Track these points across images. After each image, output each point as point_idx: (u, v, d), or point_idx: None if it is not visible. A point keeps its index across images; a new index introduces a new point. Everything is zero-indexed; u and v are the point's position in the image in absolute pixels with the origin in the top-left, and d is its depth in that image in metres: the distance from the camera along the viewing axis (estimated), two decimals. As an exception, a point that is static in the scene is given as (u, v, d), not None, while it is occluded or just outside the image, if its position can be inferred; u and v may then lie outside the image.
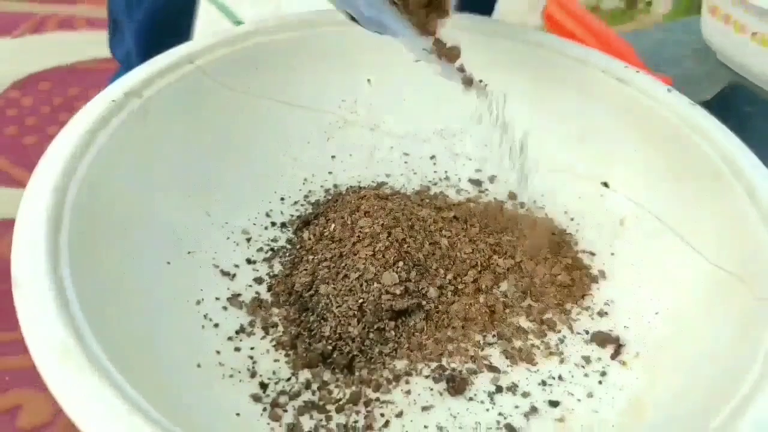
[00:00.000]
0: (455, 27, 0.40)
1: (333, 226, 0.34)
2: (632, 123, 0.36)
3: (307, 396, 0.28)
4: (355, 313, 0.30)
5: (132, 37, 0.81)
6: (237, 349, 0.30)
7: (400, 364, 0.30)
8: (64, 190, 0.26)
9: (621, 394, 0.29)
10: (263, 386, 0.28)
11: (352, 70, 0.40)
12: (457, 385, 0.29)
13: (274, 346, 0.30)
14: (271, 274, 0.34)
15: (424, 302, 0.31)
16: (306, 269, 0.33)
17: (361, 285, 0.31)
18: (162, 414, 0.21)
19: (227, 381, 0.28)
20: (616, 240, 0.36)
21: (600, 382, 0.30)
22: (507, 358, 0.31)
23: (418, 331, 0.31)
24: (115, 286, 0.27)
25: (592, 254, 0.36)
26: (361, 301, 0.31)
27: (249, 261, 0.34)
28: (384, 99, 0.41)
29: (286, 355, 0.30)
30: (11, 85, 1.18)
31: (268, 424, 0.27)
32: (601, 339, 0.31)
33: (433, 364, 0.30)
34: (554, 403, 0.29)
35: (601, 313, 0.33)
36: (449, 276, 0.33)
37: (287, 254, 0.35)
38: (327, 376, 0.29)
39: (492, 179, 0.40)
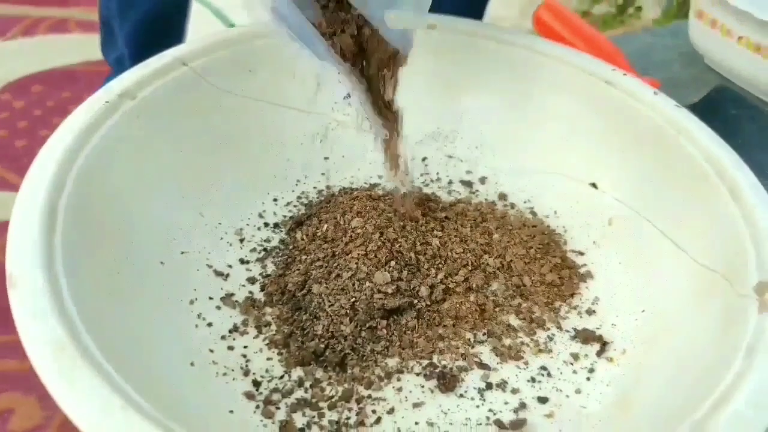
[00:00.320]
0: (443, 29, 0.41)
1: (326, 226, 0.35)
2: (620, 125, 0.37)
3: (299, 393, 0.29)
4: (348, 311, 0.31)
5: (124, 42, 0.82)
6: (230, 348, 0.30)
7: (392, 362, 0.30)
8: (58, 189, 0.27)
9: (608, 390, 0.30)
10: (256, 384, 0.29)
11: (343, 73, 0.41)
12: (447, 382, 0.29)
13: (267, 344, 0.31)
14: (264, 273, 0.34)
15: (415, 301, 0.32)
16: (299, 269, 0.33)
17: (354, 284, 0.31)
18: (156, 409, 0.21)
19: (221, 379, 0.29)
20: (604, 239, 0.36)
21: (588, 379, 0.30)
22: (497, 355, 0.31)
23: (410, 329, 0.31)
24: (110, 285, 0.27)
25: (581, 253, 0.37)
26: (353, 300, 0.31)
27: (242, 261, 0.34)
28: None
29: (279, 354, 0.30)
30: (3, 88, 1.17)
31: (261, 421, 0.27)
32: (585, 337, 0.32)
33: (424, 362, 0.31)
34: (543, 399, 0.29)
35: (590, 311, 0.34)
36: (440, 275, 0.33)
37: (280, 254, 0.35)
38: (319, 373, 0.30)
39: (483, 180, 0.41)
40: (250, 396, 0.28)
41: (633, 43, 0.65)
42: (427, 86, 0.42)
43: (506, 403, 0.29)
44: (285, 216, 0.38)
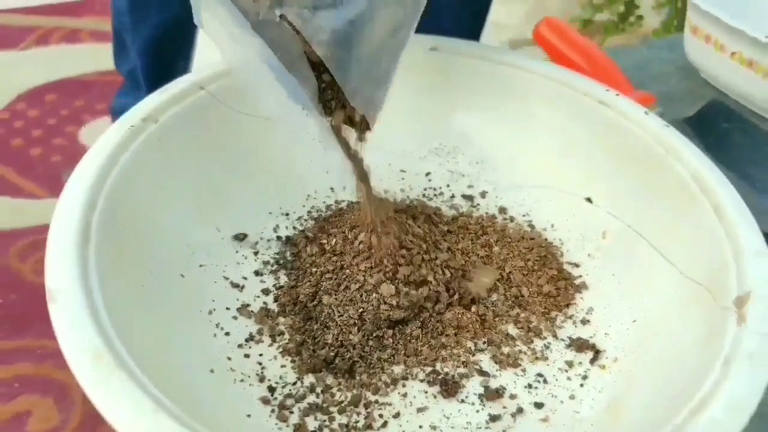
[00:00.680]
0: (445, 51, 0.43)
1: (334, 240, 0.37)
2: (612, 143, 0.39)
3: (311, 398, 0.31)
4: (356, 321, 0.33)
5: (137, 54, 0.84)
6: (247, 356, 0.32)
7: (398, 369, 0.32)
8: (91, 209, 0.29)
9: (600, 396, 0.32)
10: (271, 390, 0.31)
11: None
12: (449, 388, 0.32)
13: (280, 352, 0.33)
14: (277, 285, 0.36)
15: (419, 311, 0.34)
16: (309, 281, 0.35)
17: (361, 296, 0.34)
18: (183, 412, 0.23)
19: (238, 385, 0.31)
20: (598, 252, 0.38)
21: (581, 385, 0.32)
22: (496, 363, 0.33)
23: (414, 338, 0.33)
24: (136, 297, 0.30)
25: (576, 265, 0.39)
26: (361, 310, 0.33)
27: (257, 273, 0.37)
28: (383, 119, 0.44)
29: (292, 361, 0.32)
30: (17, 97, 1.20)
31: (276, 424, 0.30)
32: (580, 345, 0.34)
33: (428, 369, 0.33)
34: (539, 405, 0.31)
35: (584, 321, 0.36)
36: (443, 287, 0.35)
37: (292, 267, 0.37)
38: (330, 380, 0.32)
39: (483, 194, 0.43)
40: (265, 401, 0.30)
41: (631, 56, 0.66)
42: (430, 104, 0.44)
43: (504, 407, 0.31)
44: (296, 229, 0.40)
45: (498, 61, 0.42)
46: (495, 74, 0.42)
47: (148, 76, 0.85)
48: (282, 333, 0.34)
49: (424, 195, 0.43)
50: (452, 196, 0.43)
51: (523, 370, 0.33)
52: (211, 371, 0.31)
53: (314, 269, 0.36)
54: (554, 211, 0.41)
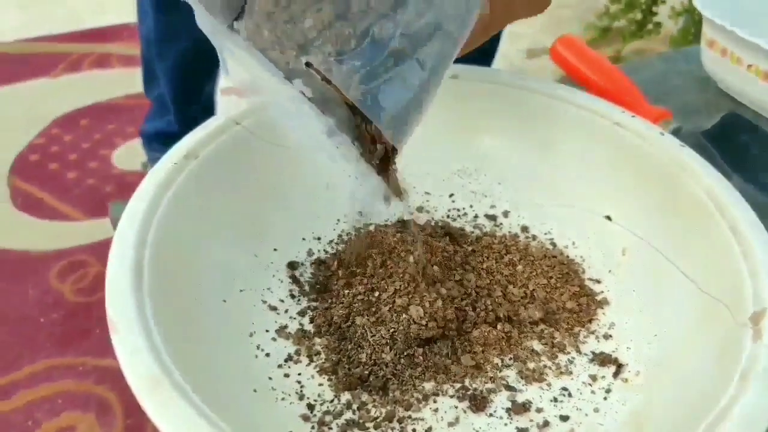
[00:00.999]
0: (464, 78, 0.45)
1: (365, 262, 0.39)
2: (629, 163, 0.40)
3: (348, 415, 0.33)
4: (388, 341, 0.35)
5: (164, 81, 0.87)
6: (286, 375, 0.34)
7: (428, 386, 0.34)
8: (142, 246, 0.31)
9: (623, 409, 0.33)
10: (310, 407, 0.33)
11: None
12: (478, 403, 0.33)
13: (318, 371, 0.35)
14: (312, 307, 0.38)
15: (447, 330, 0.36)
16: (342, 302, 0.37)
17: (392, 316, 0.36)
18: (235, 431, 0.25)
19: (280, 403, 0.33)
20: (618, 268, 0.40)
21: (605, 398, 0.34)
22: (522, 378, 0.35)
23: (443, 356, 0.35)
24: (185, 324, 0.32)
25: (598, 281, 0.40)
26: (392, 330, 0.35)
27: (293, 296, 0.39)
28: (408, 144, 0.46)
29: (329, 380, 0.34)
30: (52, 123, 1.26)
31: (316, 439, 0.32)
32: (602, 359, 0.35)
33: (457, 385, 0.34)
34: (564, 418, 0.33)
35: (606, 336, 0.37)
36: (470, 306, 0.37)
37: (325, 289, 0.39)
38: (365, 397, 0.34)
39: (506, 214, 0.45)
40: (306, 418, 0.32)
41: (648, 69, 0.68)
42: (452, 128, 0.46)
43: (531, 420, 0.33)
44: (327, 252, 0.42)
45: (516, 85, 0.44)
46: (513, 98, 0.44)
47: (176, 100, 0.89)
48: (318, 353, 0.36)
49: (448, 216, 0.45)
50: (476, 216, 0.45)
51: (549, 385, 0.35)
52: (255, 391, 0.33)
53: (346, 291, 0.38)
54: (575, 229, 0.42)
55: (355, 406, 0.33)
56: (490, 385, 0.34)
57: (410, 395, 0.34)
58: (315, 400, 0.33)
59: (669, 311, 0.36)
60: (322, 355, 0.36)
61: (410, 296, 0.36)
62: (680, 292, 0.35)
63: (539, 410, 0.33)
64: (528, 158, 0.45)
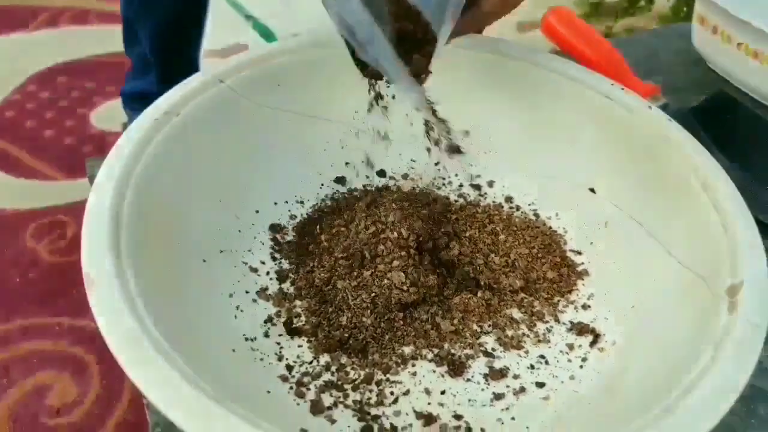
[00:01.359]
0: (454, 44, 0.44)
1: (348, 226, 0.38)
2: (616, 136, 0.40)
3: (327, 377, 0.33)
4: (369, 305, 0.35)
5: (146, 41, 0.85)
6: (266, 336, 0.34)
7: (407, 350, 0.34)
8: (120, 199, 0.31)
9: (599, 377, 0.34)
10: (289, 368, 0.33)
11: (363, 85, 0.44)
12: (456, 368, 0.34)
13: (297, 334, 0.35)
14: (294, 270, 0.38)
15: (428, 296, 0.36)
16: (324, 266, 0.37)
17: (374, 281, 0.35)
18: (213, 390, 0.25)
19: (258, 363, 0.33)
20: (600, 240, 0.40)
21: (581, 367, 0.34)
22: (500, 345, 0.35)
23: (423, 321, 0.35)
24: (163, 282, 0.32)
25: (579, 253, 0.40)
26: (373, 295, 0.35)
27: (274, 258, 0.38)
28: (393, 110, 0.45)
29: (309, 342, 0.34)
30: (28, 79, 1.22)
31: (294, 400, 0.32)
32: (580, 329, 0.36)
33: (436, 350, 0.35)
34: (540, 384, 0.33)
35: (585, 306, 0.37)
36: (451, 273, 0.37)
37: (307, 252, 0.39)
38: (344, 359, 0.34)
39: (491, 184, 0.45)
40: (284, 378, 0.32)
41: (639, 45, 0.67)
42: (441, 96, 0.45)
43: (508, 386, 0.33)
44: (310, 216, 0.41)
45: (506, 54, 0.43)
46: (503, 68, 0.44)
47: (158, 61, 0.86)
48: (299, 315, 0.36)
49: (433, 184, 0.45)
50: (461, 185, 0.45)
51: (526, 352, 0.35)
52: (234, 351, 0.33)
53: (328, 255, 0.38)
54: (559, 201, 0.42)
55: (333, 368, 0.33)
56: (468, 351, 0.35)
57: (389, 358, 0.34)
58: (294, 362, 0.33)
59: (648, 284, 0.36)
60: (303, 318, 0.35)
61: (392, 262, 0.36)
62: (659, 266, 0.36)
63: (516, 376, 0.34)
64: (516, 128, 0.44)
